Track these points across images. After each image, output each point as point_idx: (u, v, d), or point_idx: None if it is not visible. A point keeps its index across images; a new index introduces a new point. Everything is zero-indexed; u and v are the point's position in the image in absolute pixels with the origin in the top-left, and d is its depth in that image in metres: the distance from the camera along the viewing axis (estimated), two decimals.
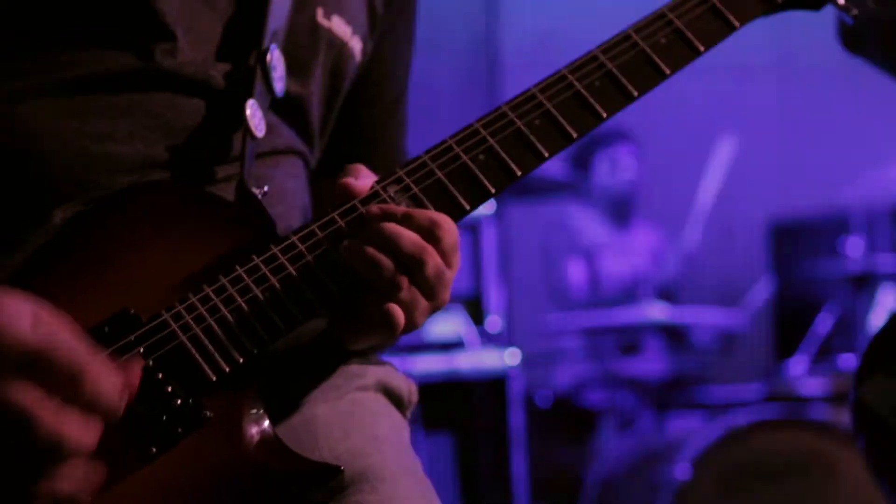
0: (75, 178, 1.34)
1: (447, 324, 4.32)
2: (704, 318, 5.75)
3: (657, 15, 1.48)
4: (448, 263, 1.31)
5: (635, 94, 1.44)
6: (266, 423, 1.29)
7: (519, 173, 1.37)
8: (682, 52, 1.47)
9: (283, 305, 1.29)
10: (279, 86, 1.44)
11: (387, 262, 1.27)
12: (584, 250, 5.93)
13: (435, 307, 1.34)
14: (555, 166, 5.58)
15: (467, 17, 6.68)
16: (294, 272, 1.30)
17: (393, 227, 1.28)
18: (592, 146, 6.00)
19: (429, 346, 4.28)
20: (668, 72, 1.45)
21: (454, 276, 1.34)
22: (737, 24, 1.50)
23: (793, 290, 6.20)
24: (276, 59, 1.44)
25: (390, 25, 1.65)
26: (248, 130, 1.39)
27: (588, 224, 6.00)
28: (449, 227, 1.30)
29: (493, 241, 4.54)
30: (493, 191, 1.36)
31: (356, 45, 1.58)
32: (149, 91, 1.39)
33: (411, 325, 1.33)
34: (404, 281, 1.28)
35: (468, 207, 1.35)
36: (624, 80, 1.43)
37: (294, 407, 1.41)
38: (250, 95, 1.40)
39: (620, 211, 6.06)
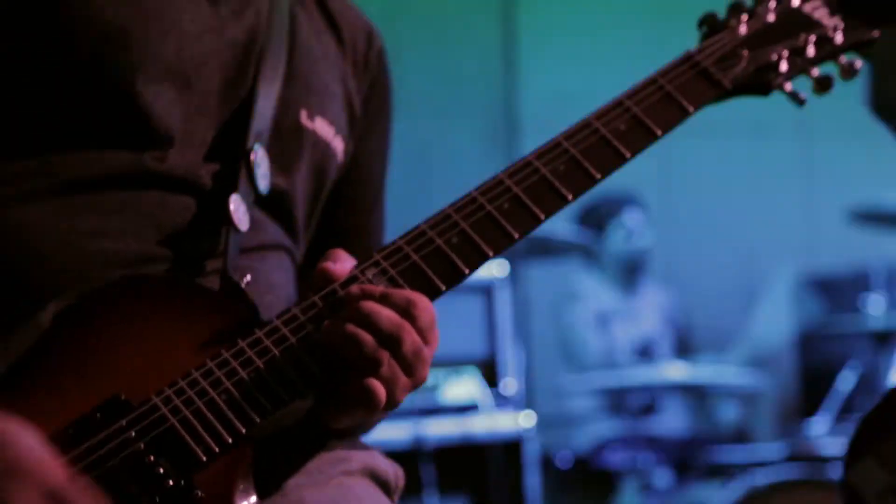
0: (70, 275, 1.39)
1: (461, 387, 4.31)
2: (724, 376, 5.72)
3: (615, 103, 1.55)
4: (426, 340, 1.36)
5: (598, 176, 1.50)
6: (253, 498, 1.32)
7: (491, 254, 1.43)
8: (640, 137, 1.54)
9: (268, 386, 1.33)
10: (263, 183, 1.51)
11: (367, 337, 1.32)
12: (595, 314, 5.91)
13: (415, 384, 1.38)
14: (568, 229, 5.59)
15: (486, 79, 6.71)
16: (278, 354, 1.34)
17: (371, 305, 1.33)
18: (606, 212, 6.00)
19: (443, 410, 4.27)
20: (628, 155, 1.52)
21: (433, 354, 1.38)
22: (690, 109, 1.57)
23: (815, 348, 6.16)
24: (260, 157, 1.51)
25: (368, 126, 1.72)
26: (231, 224, 1.46)
27: (598, 289, 5.98)
28: (424, 306, 1.35)
29: (507, 302, 4.54)
30: (466, 271, 1.41)
31: (338, 145, 1.65)
32: (140, 190, 1.45)
33: (392, 401, 1.36)
34: (384, 356, 1.33)
35: (444, 287, 1.40)
36: (586, 164, 1.49)
37: (280, 491, 1.42)
38: (234, 191, 1.47)
39: (631, 276, 6.04)
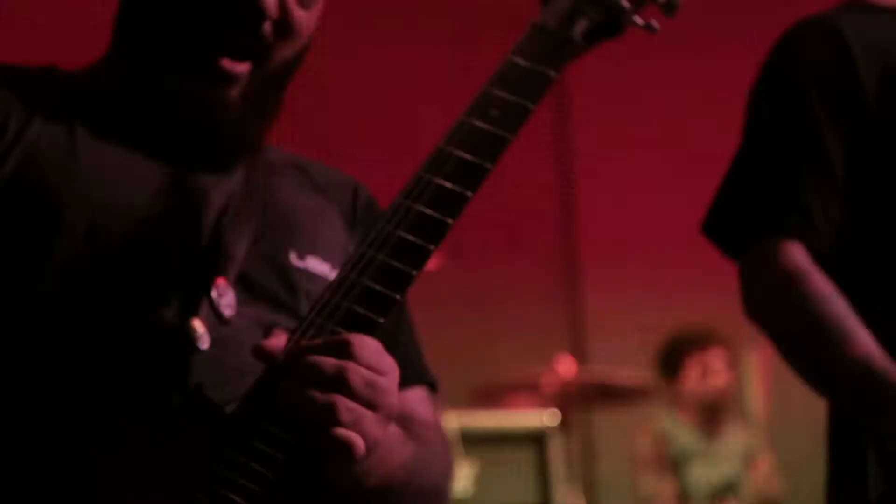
0: None
1: None
2: None
3: (483, 93, 1.55)
4: (378, 371, 1.39)
5: (488, 166, 1.51)
6: None
7: (413, 273, 1.45)
8: (515, 117, 1.55)
9: (254, 471, 1.37)
10: (228, 312, 1.55)
11: (314, 391, 1.36)
12: (673, 458, 5.78)
13: (386, 414, 1.41)
14: (644, 372, 5.52)
15: (544, 221, 6.72)
16: (251, 440, 1.38)
17: (307, 359, 1.38)
18: (683, 350, 5.92)
19: None
20: (509, 137, 1.53)
21: (394, 381, 1.42)
22: (553, 74, 1.56)
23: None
24: (221, 288, 1.56)
25: None
26: (192, 346, 1.51)
27: (678, 431, 5.86)
28: (360, 342, 1.39)
29: (559, 451, 4.47)
30: (396, 296, 1.44)
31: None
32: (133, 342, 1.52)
33: (368, 438, 1.38)
34: (337, 401, 1.36)
35: (380, 319, 1.44)
36: (474, 159, 1.52)
37: None
38: (196, 315, 1.53)
39: (712, 417, 5.92)
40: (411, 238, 1.47)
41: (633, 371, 5.50)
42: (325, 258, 1.67)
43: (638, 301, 6.40)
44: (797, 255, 2.09)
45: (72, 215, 1.52)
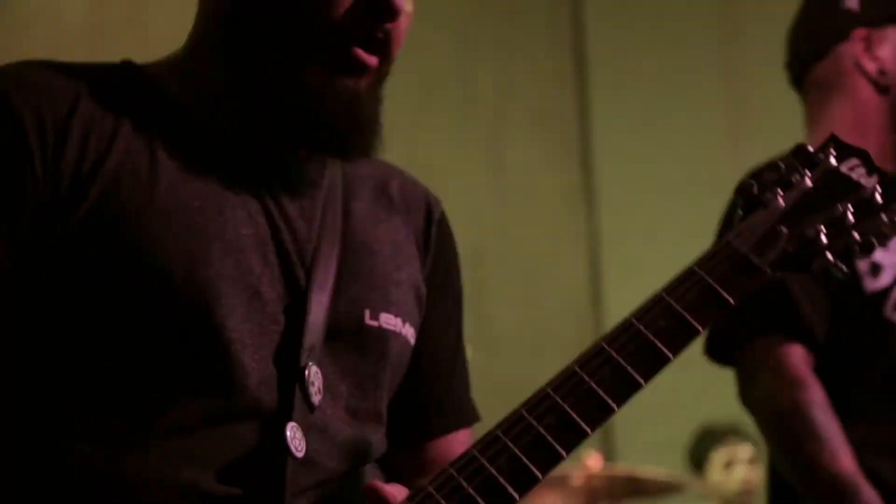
0: None
1: None
2: None
3: (656, 299, 1.52)
4: None
5: (642, 381, 1.46)
6: None
7: (539, 476, 1.41)
8: (682, 335, 1.49)
9: None
10: (317, 398, 1.50)
11: None
12: None
13: None
14: (672, 466, 5.46)
15: (573, 317, 6.71)
16: None
17: None
18: (709, 443, 5.88)
19: None
20: (670, 356, 1.47)
21: None
22: (732, 301, 1.50)
23: None
24: (313, 374, 1.50)
25: (433, 299, 1.70)
26: (289, 453, 1.46)
27: None
28: None
29: None
30: (539, 476, 1.40)
31: (408, 331, 1.63)
32: (221, 425, 1.46)
33: None
34: None
35: (517, 497, 1.40)
36: (631, 370, 1.46)
37: None
38: (290, 418, 1.47)
39: None
40: (573, 413, 1.43)
41: (662, 466, 5.45)
42: (396, 313, 1.61)
43: (666, 396, 6.36)
44: (797, 359, 2.29)
45: (146, 269, 1.44)
